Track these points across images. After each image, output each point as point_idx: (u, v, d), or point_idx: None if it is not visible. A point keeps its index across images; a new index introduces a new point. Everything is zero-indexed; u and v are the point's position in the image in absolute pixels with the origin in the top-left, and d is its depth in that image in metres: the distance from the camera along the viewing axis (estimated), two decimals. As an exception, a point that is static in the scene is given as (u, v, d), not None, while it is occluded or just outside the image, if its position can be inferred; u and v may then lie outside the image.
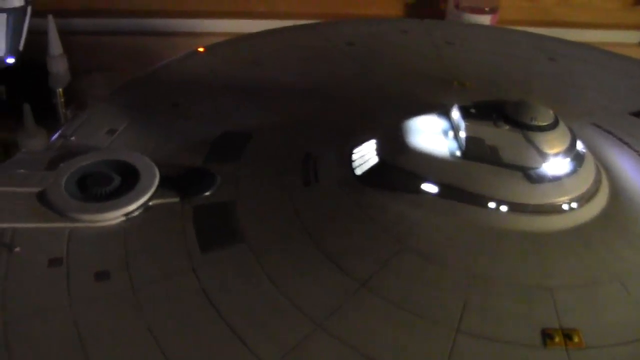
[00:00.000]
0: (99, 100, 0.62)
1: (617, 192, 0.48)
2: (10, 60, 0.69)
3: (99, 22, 1.30)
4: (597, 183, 0.47)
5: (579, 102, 0.62)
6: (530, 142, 0.45)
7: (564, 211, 0.44)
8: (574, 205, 0.45)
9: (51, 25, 1.18)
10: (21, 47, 0.70)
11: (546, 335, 0.38)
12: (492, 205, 0.43)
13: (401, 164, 0.45)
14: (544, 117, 0.46)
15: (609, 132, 0.56)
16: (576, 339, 0.38)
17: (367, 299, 0.39)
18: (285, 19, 1.27)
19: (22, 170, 0.51)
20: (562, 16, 1.41)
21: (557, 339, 0.38)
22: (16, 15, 0.68)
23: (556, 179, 0.44)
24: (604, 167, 0.50)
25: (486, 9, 1.28)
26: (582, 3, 1.40)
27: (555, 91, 0.65)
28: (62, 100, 1.28)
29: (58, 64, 1.25)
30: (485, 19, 1.27)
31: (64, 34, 1.23)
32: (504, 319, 0.39)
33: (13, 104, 1.32)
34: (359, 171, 0.47)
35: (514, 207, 0.44)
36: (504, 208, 0.43)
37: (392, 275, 0.40)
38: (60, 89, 1.27)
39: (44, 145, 1.24)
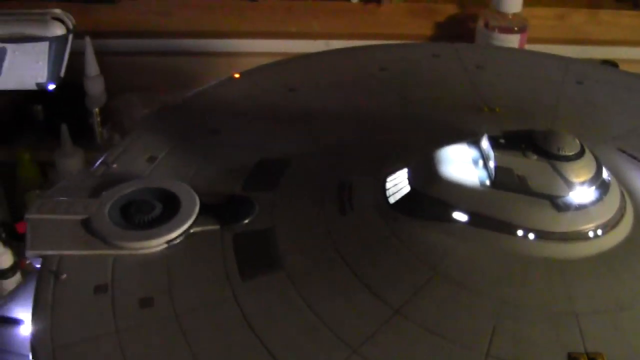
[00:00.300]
0: (139, 127, 0.64)
1: (642, 218, 0.50)
2: (52, 87, 0.71)
3: (134, 43, 1.32)
4: (621, 210, 0.48)
5: (606, 126, 0.63)
6: (557, 171, 0.46)
7: (590, 238, 0.46)
8: (599, 232, 0.46)
9: (88, 46, 1.21)
10: (62, 74, 0.73)
11: (572, 359, 0.40)
12: (520, 233, 0.45)
13: (433, 193, 0.47)
14: (571, 146, 0.47)
15: (634, 157, 0.58)
16: (601, 363, 0.40)
17: (401, 325, 0.41)
18: (317, 38, 1.30)
19: (65, 198, 0.52)
20: (590, 34, 1.41)
21: (582, 363, 0.40)
22: (58, 43, 0.70)
23: (582, 207, 0.46)
24: (628, 193, 0.51)
25: (515, 28, 1.28)
26: (611, 21, 1.41)
27: (582, 115, 0.66)
28: (99, 120, 1.31)
29: (95, 85, 1.28)
30: (515, 38, 1.28)
31: (100, 54, 1.26)
32: (532, 343, 0.40)
33: (50, 124, 1.35)
34: (392, 200, 0.49)
35: (541, 235, 0.45)
36: (531, 236, 0.45)
37: (425, 301, 0.42)
38: (97, 109, 1.30)
39: (81, 165, 1.27)
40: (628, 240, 0.47)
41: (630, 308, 0.43)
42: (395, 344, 0.40)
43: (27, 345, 0.62)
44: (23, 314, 0.65)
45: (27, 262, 1.32)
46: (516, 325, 0.41)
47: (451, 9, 1.39)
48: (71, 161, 1.29)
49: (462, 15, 1.39)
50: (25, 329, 0.65)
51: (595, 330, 0.40)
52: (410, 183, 0.49)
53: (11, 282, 1.21)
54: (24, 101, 1.38)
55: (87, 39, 1.18)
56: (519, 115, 0.63)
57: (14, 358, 0.64)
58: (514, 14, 1.31)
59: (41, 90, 0.71)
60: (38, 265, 0.50)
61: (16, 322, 0.66)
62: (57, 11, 0.73)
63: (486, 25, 1.32)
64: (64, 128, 1.26)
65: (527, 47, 1.33)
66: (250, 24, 1.35)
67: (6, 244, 1.23)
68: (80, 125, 1.35)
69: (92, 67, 1.29)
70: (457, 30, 1.39)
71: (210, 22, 1.33)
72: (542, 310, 0.41)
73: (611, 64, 1.42)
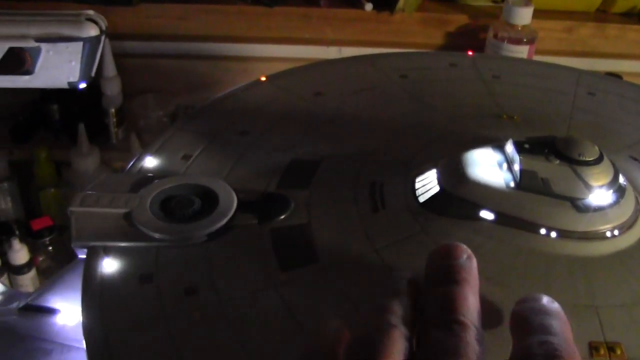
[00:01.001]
0: (172, 127, 0.66)
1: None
2: (83, 85, 0.73)
3: (151, 45, 1.35)
4: (636, 212, 0.51)
5: (618, 136, 0.66)
6: (578, 175, 0.49)
7: (607, 238, 0.49)
8: (616, 232, 0.49)
9: (106, 48, 1.23)
10: (93, 73, 0.75)
11: (592, 348, 0.43)
12: (543, 231, 0.48)
13: (461, 193, 0.50)
14: (591, 152, 0.50)
15: (645, 165, 0.61)
16: (619, 352, 0.43)
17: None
18: (330, 45, 1.33)
19: (107, 193, 0.55)
20: (597, 47, 1.45)
21: (602, 351, 0.43)
22: (91, 43, 0.72)
23: (601, 209, 0.49)
24: (641, 198, 0.54)
25: (524, 39, 1.32)
26: (617, 35, 1.44)
27: (595, 125, 0.69)
28: (115, 120, 1.34)
29: (112, 85, 1.31)
30: (524, 49, 1.31)
31: (117, 56, 1.29)
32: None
33: (65, 123, 1.38)
34: (422, 199, 0.52)
35: (563, 234, 0.48)
36: (553, 234, 0.48)
37: (456, 294, 0.45)
38: (113, 110, 1.33)
39: (97, 164, 1.30)
40: (642, 241, 0.50)
41: (646, 303, 0.46)
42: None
43: (63, 333, 0.65)
44: (59, 303, 0.68)
45: (40, 259, 1.35)
46: (542, 317, 0.44)
47: (462, 20, 1.42)
48: (87, 160, 1.32)
49: (473, 25, 1.42)
50: (61, 318, 0.68)
51: (613, 322, 0.43)
52: (439, 183, 0.52)
53: (26, 278, 1.24)
54: (40, 100, 1.41)
55: (105, 40, 1.21)
56: (536, 124, 0.66)
57: (50, 346, 0.66)
58: (524, 26, 1.34)
59: (70, 88, 0.74)
60: (82, 256, 0.53)
61: (52, 311, 0.68)
62: (91, 12, 0.75)
63: (496, 36, 1.35)
64: (82, 127, 1.29)
65: (536, 58, 1.36)
66: (265, 29, 1.38)
67: (22, 241, 1.26)
68: (96, 125, 1.38)
69: (109, 68, 1.32)
70: (468, 40, 1.42)
71: (226, 27, 1.37)
72: (564, 303, 0.43)
73: (616, 76, 1.46)
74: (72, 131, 1.37)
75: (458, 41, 1.44)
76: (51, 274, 1.37)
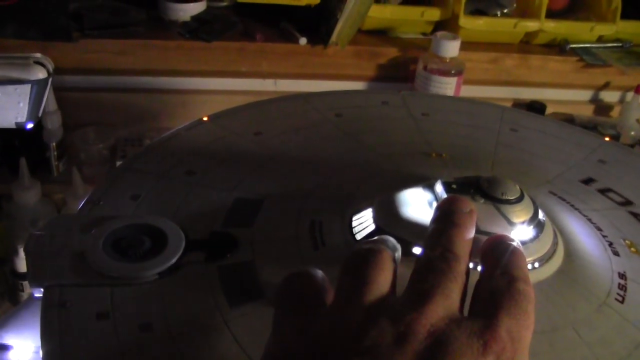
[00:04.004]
0: (119, 168, 0.69)
1: (570, 253, 0.58)
2: (30, 125, 0.76)
3: (90, 79, 1.37)
4: (554, 245, 0.56)
5: (539, 171, 0.71)
6: (501, 213, 0.54)
7: (529, 270, 0.53)
8: (536, 265, 0.54)
9: (47, 83, 1.24)
10: (40, 114, 0.78)
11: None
12: (471, 265, 0.52)
13: (395, 231, 0.54)
14: (512, 191, 0.55)
15: (563, 199, 0.66)
16: (540, 375, 0.47)
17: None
18: (266, 77, 1.37)
19: (60, 233, 0.58)
20: (521, 77, 1.52)
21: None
22: (39, 85, 0.74)
23: (522, 244, 0.53)
24: (559, 231, 0.59)
25: (452, 71, 1.37)
26: (539, 65, 1.51)
27: (518, 161, 0.74)
28: (55, 153, 1.35)
29: (53, 120, 1.32)
30: (452, 81, 1.36)
31: (57, 90, 1.31)
32: None
33: (5, 156, 1.39)
34: (358, 236, 0.56)
35: (488, 267, 0.52)
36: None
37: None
38: (54, 143, 1.34)
39: (38, 197, 1.32)
40: (560, 272, 0.55)
41: (562, 329, 0.50)
42: None
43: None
44: (12, 340, 0.70)
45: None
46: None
47: (393, 52, 1.47)
48: (29, 193, 1.33)
49: (403, 58, 1.47)
50: (14, 354, 0.70)
51: (534, 348, 0.47)
52: (374, 222, 0.56)
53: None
54: (-21, 134, 1.41)
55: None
56: (463, 161, 0.71)
57: (3, 383, 0.68)
58: (452, 58, 1.39)
59: (17, 128, 0.76)
60: (38, 295, 0.55)
61: (5, 347, 0.70)
62: (38, 55, 0.78)
63: (425, 68, 1.40)
64: (23, 161, 1.31)
65: (463, 87, 1.42)
66: (203, 63, 1.41)
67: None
68: (37, 158, 1.39)
69: (50, 102, 1.33)
70: (398, 72, 1.47)
71: (165, 61, 1.39)
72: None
73: (539, 104, 1.52)
74: (12, 164, 1.38)
75: (389, 73, 1.49)
76: (-10, 305, 1.38)
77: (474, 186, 0.56)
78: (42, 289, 0.54)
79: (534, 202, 0.56)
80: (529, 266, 0.53)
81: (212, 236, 0.58)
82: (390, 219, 0.56)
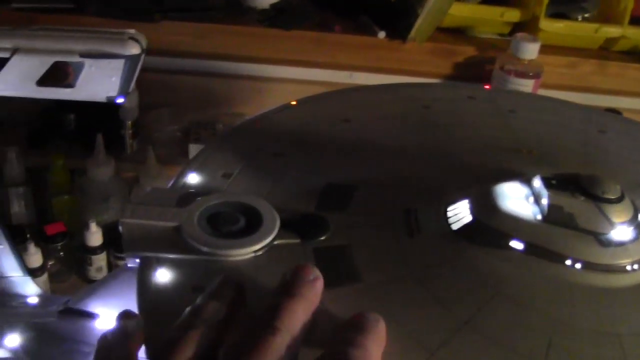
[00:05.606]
0: (209, 146, 0.70)
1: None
2: (120, 100, 0.77)
3: (169, 61, 1.38)
4: (654, 248, 0.56)
5: (629, 174, 0.71)
6: (601, 211, 0.53)
7: (628, 271, 0.53)
8: (636, 266, 0.53)
9: (128, 62, 1.26)
10: (130, 90, 0.79)
11: (615, 374, 0.47)
12: (568, 262, 0.52)
13: (493, 224, 0.54)
14: (613, 191, 0.55)
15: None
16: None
17: (470, 335, 0.47)
18: (342, 69, 1.37)
19: (155, 206, 0.58)
20: (597, 83, 1.49)
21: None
22: (132, 61, 0.75)
23: (622, 244, 0.53)
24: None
25: (530, 73, 1.35)
26: (617, 73, 1.49)
27: (607, 162, 0.73)
28: (130, 132, 1.37)
29: (130, 98, 1.34)
30: (529, 83, 1.35)
31: (136, 70, 1.31)
32: (582, 357, 0.47)
33: (81, 132, 1.41)
34: (455, 227, 0.55)
35: (587, 266, 0.52)
36: (578, 266, 0.52)
37: (489, 316, 0.49)
38: (130, 122, 1.36)
39: (112, 174, 1.33)
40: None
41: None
42: (467, 351, 0.46)
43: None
44: (99, 308, 0.71)
45: (51, 263, 1.37)
46: (568, 341, 0.47)
47: (470, 51, 1.46)
48: (103, 170, 1.35)
49: (480, 58, 1.46)
50: (100, 323, 0.71)
51: (635, 349, 0.47)
52: (471, 213, 0.56)
53: (39, 281, 1.27)
54: (56, 108, 1.44)
55: (138, 57, 1.24)
56: (552, 159, 0.70)
57: (89, 349, 0.69)
58: (530, 60, 1.38)
59: (108, 102, 0.77)
60: (131, 265, 0.56)
61: (92, 315, 0.72)
62: (132, 31, 0.79)
63: (502, 68, 1.39)
64: (99, 138, 1.33)
65: (539, 92, 1.40)
66: (279, 51, 1.41)
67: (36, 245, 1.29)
68: (112, 135, 1.41)
69: (129, 82, 1.35)
70: (474, 71, 1.47)
71: (243, 47, 1.40)
72: (588, 330, 0.48)
73: (615, 112, 1.50)
74: (86, 140, 1.41)
75: (465, 72, 1.48)
76: (61, 277, 1.40)
77: (573, 183, 0.56)
78: (137, 260, 0.55)
79: (634, 203, 0.55)
80: (629, 267, 0.53)
81: (304, 218, 0.58)
82: (488, 212, 0.55)
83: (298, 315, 0.44)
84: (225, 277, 0.47)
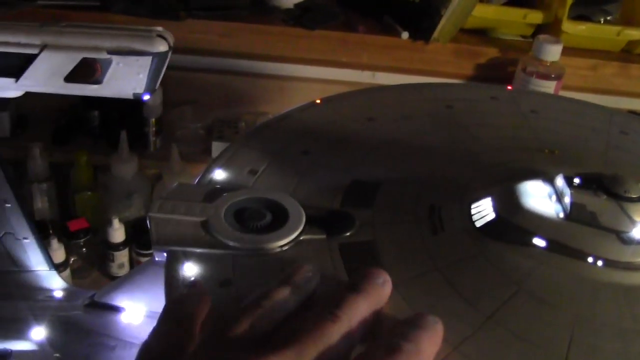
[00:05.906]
0: (235, 143, 0.71)
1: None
2: (147, 97, 0.77)
3: (193, 59, 1.39)
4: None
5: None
6: (623, 210, 0.54)
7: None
8: (658, 266, 0.54)
9: (152, 60, 1.27)
10: (157, 87, 0.79)
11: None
12: (590, 260, 0.53)
13: (516, 221, 0.55)
14: (636, 190, 0.55)
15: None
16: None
17: (494, 329, 0.48)
18: (365, 69, 1.38)
19: (182, 201, 0.59)
20: (619, 86, 1.49)
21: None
22: (160, 58, 0.76)
23: (644, 244, 0.54)
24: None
25: (552, 75, 1.36)
26: (638, 75, 1.49)
27: (630, 163, 0.73)
28: (154, 129, 1.38)
29: (154, 96, 1.35)
30: (551, 85, 1.35)
31: (160, 67, 1.31)
32: (603, 353, 0.48)
33: (105, 129, 1.42)
34: (478, 224, 0.56)
35: (609, 263, 0.53)
36: (600, 263, 0.53)
37: (512, 311, 0.49)
38: (153, 119, 1.37)
39: (135, 170, 1.34)
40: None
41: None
42: (490, 345, 0.47)
43: (127, 331, 0.70)
44: (125, 302, 0.72)
45: (73, 259, 1.39)
46: (589, 337, 0.48)
47: (492, 53, 1.46)
48: (126, 166, 1.37)
49: (502, 59, 1.46)
50: (126, 317, 0.72)
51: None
52: (495, 210, 0.56)
53: (62, 277, 1.28)
54: (81, 105, 1.45)
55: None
56: (574, 159, 0.71)
57: (114, 342, 0.70)
58: (552, 62, 1.38)
59: (135, 99, 0.78)
60: (159, 259, 0.57)
61: (117, 309, 0.73)
62: (160, 29, 0.79)
63: (524, 70, 1.39)
64: (123, 134, 1.34)
65: (561, 93, 1.41)
66: (304, 51, 1.42)
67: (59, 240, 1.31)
68: (135, 132, 1.42)
69: (154, 79, 1.35)
70: (497, 72, 1.47)
71: (267, 46, 1.41)
72: (610, 326, 0.49)
73: (637, 114, 1.50)
74: (110, 137, 1.42)
75: (487, 73, 1.48)
76: (83, 273, 1.42)
77: (595, 182, 0.57)
78: (164, 254, 0.56)
79: (656, 203, 0.56)
80: (649, 267, 0.54)
81: (330, 214, 0.59)
82: (512, 209, 0.56)
83: (360, 310, 0.44)
84: (299, 266, 0.48)
